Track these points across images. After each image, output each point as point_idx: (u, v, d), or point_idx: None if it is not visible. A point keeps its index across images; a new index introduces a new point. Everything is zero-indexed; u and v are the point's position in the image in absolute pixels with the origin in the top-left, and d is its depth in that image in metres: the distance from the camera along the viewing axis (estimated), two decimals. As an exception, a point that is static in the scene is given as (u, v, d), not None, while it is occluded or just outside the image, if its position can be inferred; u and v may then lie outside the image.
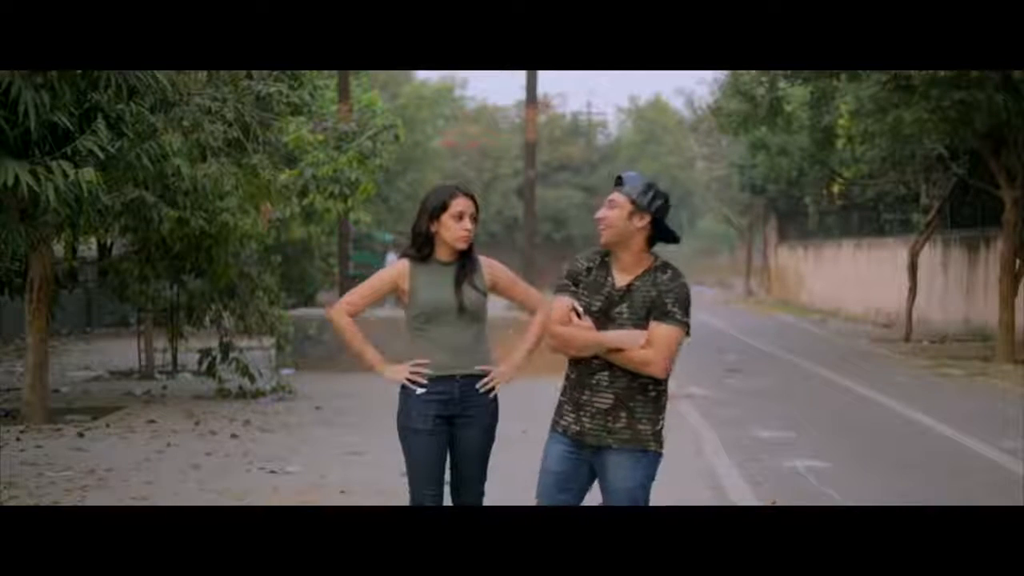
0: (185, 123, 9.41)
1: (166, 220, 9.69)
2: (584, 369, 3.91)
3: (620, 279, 3.90)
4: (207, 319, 11.64)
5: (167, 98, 9.15)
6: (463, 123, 48.77)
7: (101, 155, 7.98)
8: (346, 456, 8.03)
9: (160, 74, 8.59)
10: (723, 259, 51.22)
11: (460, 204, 4.28)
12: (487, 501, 4.43)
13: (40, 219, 8.75)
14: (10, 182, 7.32)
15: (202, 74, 10.05)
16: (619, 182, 3.93)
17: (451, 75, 47.14)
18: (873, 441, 9.25)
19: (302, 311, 15.42)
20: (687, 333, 3.86)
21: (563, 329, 3.89)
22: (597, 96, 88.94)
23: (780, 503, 6.61)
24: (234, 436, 8.87)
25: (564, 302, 3.91)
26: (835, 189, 28.17)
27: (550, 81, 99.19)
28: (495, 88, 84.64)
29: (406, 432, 4.32)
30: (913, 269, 19.73)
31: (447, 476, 4.37)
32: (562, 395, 4.02)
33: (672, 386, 4.24)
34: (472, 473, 4.37)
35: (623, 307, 3.86)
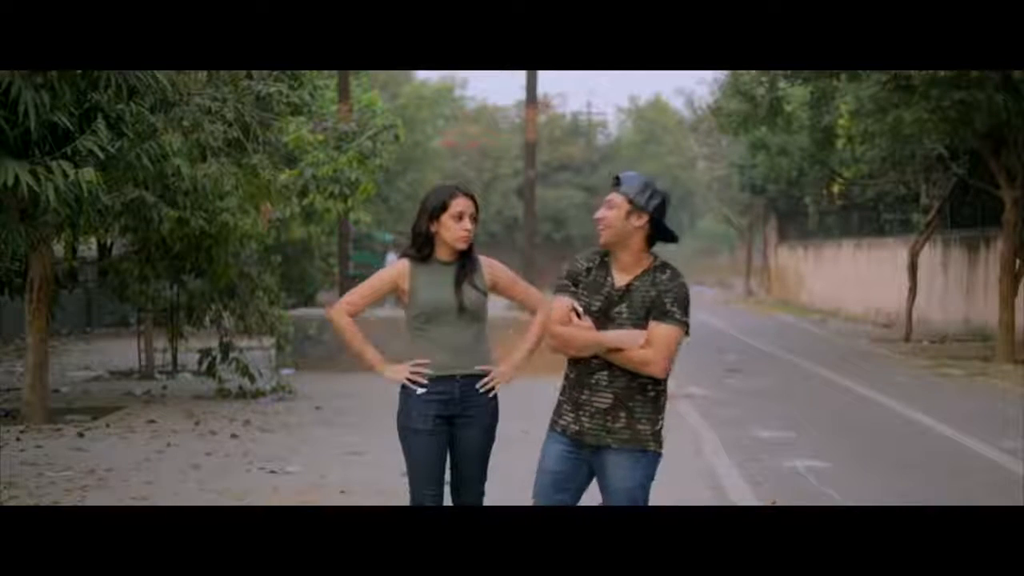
0: (185, 123, 9.41)
1: (166, 220, 9.69)
2: (583, 369, 3.91)
3: (619, 279, 3.90)
4: (207, 319, 11.64)
5: (167, 98, 9.15)
6: (463, 123, 48.77)
7: (101, 155, 7.98)
8: (346, 456, 8.03)
9: (160, 74, 8.59)
10: (723, 259, 51.23)
11: (460, 204, 4.28)
12: (487, 501, 4.43)
13: (40, 219, 8.75)
14: (10, 182, 7.32)
15: (202, 74, 10.05)
16: (617, 182, 3.94)
17: (451, 75, 47.21)
18: (873, 441, 9.25)
19: (302, 311, 15.42)
20: (686, 333, 3.86)
21: (563, 329, 3.89)
22: (597, 96, 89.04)
23: (780, 503, 6.61)
24: (234, 436, 8.87)
25: (564, 302, 3.91)
26: (835, 189, 28.18)
27: (550, 81, 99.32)
28: (495, 88, 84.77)
29: (406, 432, 4.32)
30: (913, 269, 19.73)
31: (447, 476, 4.37)
32: (561, 395, 4.02)
33: (671, 386, 4.24)
34: (472, 473, 4.37)
35: (622, 307, 3.86)
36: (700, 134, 42.52)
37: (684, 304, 3.85)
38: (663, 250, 4.00)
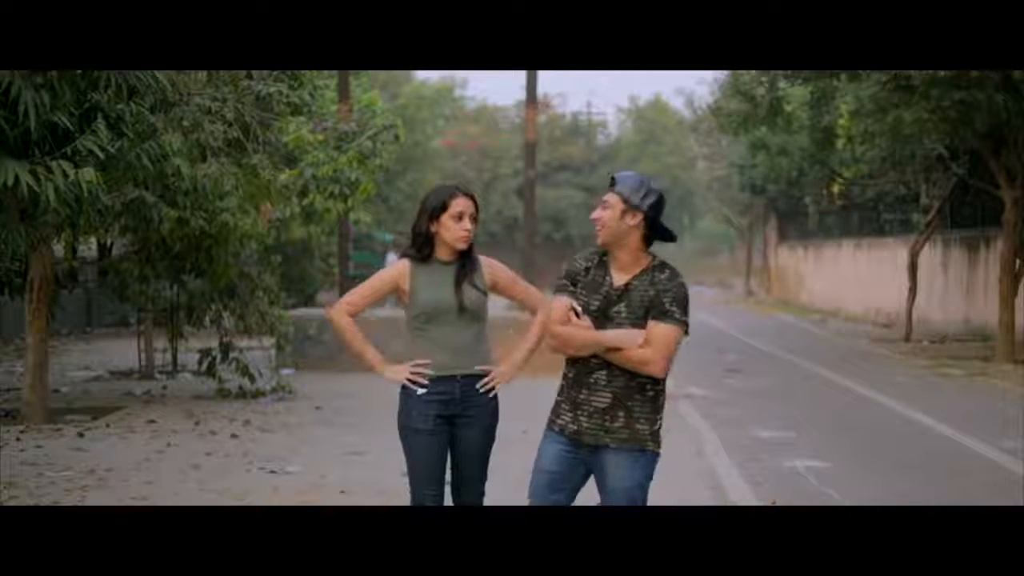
0: (185, 123, 9.42)
1: (166, 220, 9.69)
2: (582, 368, 3.91)
3: (618, 278, 3.90)
4: (207, 319, 11.65)
5: (167, 98, 9.15)
6: (463, 123, 48.77)
7: (101, 155, 7.98)
8: (346, 456, 8.03)
9: (160, 74, 8.59)
10: (723, 259, 51.26)
11: (460, 204, 4.28)
12: (487, 501, 4.43)
13: (40, 219, 8.74)
14: (10, 182, 7.31)
15: (202, 74, 10.05)
16: (612, 182, 3.94)
17: (451, 75, 47.21)
18: (873, 441, 9.25)
19: (302, 311, 15.42)
20: (685, 332, 3.86)
21: (562, 329, 3.89)
22: (597, 96, 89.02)
23: (780, 503, 6.61)
24: (234, 436, 8.87)
25: (563, 302, 3.91)
26: (835, 189, 28.18)
27: (550, 81, 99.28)
28: (495, 88, 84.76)
29: (407, 432, 4.32)
30: (913, 269, 19.73)
31: (448, 476, 4.37)
32: (559, 394, 4.02)
33: (671, 386, 4.25)
34: (472, 473, 4.37)
35: (621, 306, 3.86)
36: (700, 134, 42.55)
37: (683, 303, 3.85)
38: (663, 250, 4.00)
